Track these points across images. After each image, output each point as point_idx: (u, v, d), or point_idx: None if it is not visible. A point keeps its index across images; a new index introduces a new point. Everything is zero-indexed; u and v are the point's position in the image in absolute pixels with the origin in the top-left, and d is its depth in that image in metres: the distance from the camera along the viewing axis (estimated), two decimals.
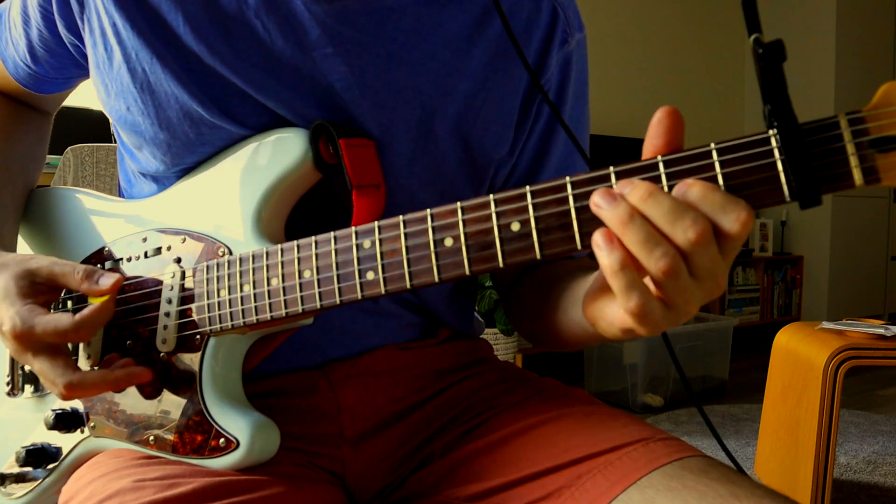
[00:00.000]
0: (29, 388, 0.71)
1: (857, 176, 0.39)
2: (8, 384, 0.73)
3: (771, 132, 0.41)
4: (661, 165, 0.43)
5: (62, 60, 0.71)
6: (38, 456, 0.67)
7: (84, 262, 0.68)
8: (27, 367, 0.72)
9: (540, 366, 3.18)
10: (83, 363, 0.65)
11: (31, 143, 0.79)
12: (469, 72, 0.63)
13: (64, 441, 0.67)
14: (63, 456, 0.67)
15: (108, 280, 0.59)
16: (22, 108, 0.80)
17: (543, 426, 0.62)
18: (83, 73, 0.73)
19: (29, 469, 0.68)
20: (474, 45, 0.63)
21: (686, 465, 0.55)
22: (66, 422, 0.66)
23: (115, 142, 0.74)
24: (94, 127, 2.29)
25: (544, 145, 0.69)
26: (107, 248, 0.68)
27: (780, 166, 0.41)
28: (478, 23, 0.63)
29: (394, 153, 0.62)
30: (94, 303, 0.59)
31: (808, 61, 4.27)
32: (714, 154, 0.42)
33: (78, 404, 0.66)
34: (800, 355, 1.74)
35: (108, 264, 0.65)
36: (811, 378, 1.63)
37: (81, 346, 0.66)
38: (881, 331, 1.63)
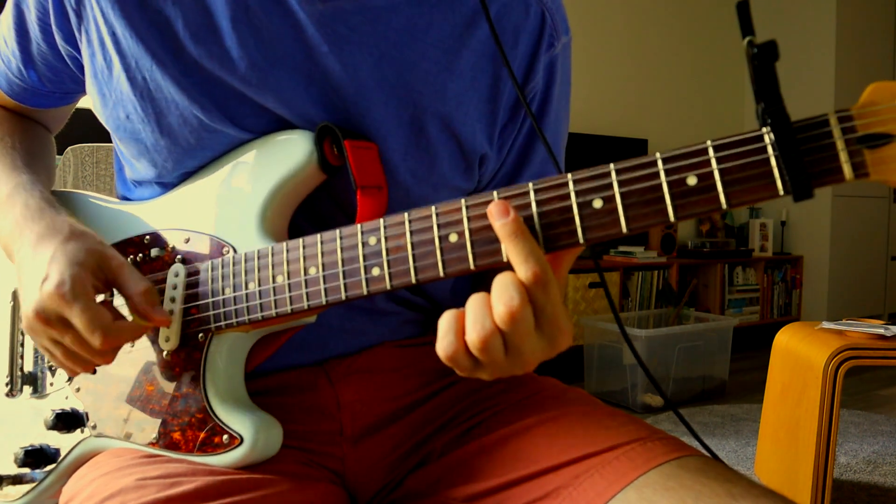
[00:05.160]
0: (28, 390, 0.71)
1: (847, 170, 0.41)
2: (7, 384, 0.73)
3: (764, 129, 0.43)
4: (659, 163, 0.45)
5: (60, 74, 0.71)
6: (37, 457, 0.67)
7: None
8: (26, 368, 0.72)
9: (539, 365, 3.18)
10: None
11: (40, 144, 0.79)
12: (458, 71, 0.64)
13: (63, 441, 0.67)
14: (62, 457, 0.67)
15: (161, 313, 0.59)
16: (22, 116, 0.80)
17: (542, 426, 0.62)
18: (80, 88, 0.72)
19: (27, 470, 0.68)
20: (463, 45, 0.64)
21: (683, 465, 0.55)
22: (66, 422, 0.66)
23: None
24: (94, 127, 2.28)
25: (529, 146, 0.70)
26: None
27: (773, 162, 0.42)
28: (467, 24, 0.64)
29: (388, 150, 0.63)
30: (134, 319, 0.59)
31: (808, 62, 4.27)
32: (710, 151, 0.44)
33: (78, 404, 0.67)
34: (800, 355, 1.74)
35: None
36: (811, 378, 1.63)
37: None
38: (881, 331, 1.63)
